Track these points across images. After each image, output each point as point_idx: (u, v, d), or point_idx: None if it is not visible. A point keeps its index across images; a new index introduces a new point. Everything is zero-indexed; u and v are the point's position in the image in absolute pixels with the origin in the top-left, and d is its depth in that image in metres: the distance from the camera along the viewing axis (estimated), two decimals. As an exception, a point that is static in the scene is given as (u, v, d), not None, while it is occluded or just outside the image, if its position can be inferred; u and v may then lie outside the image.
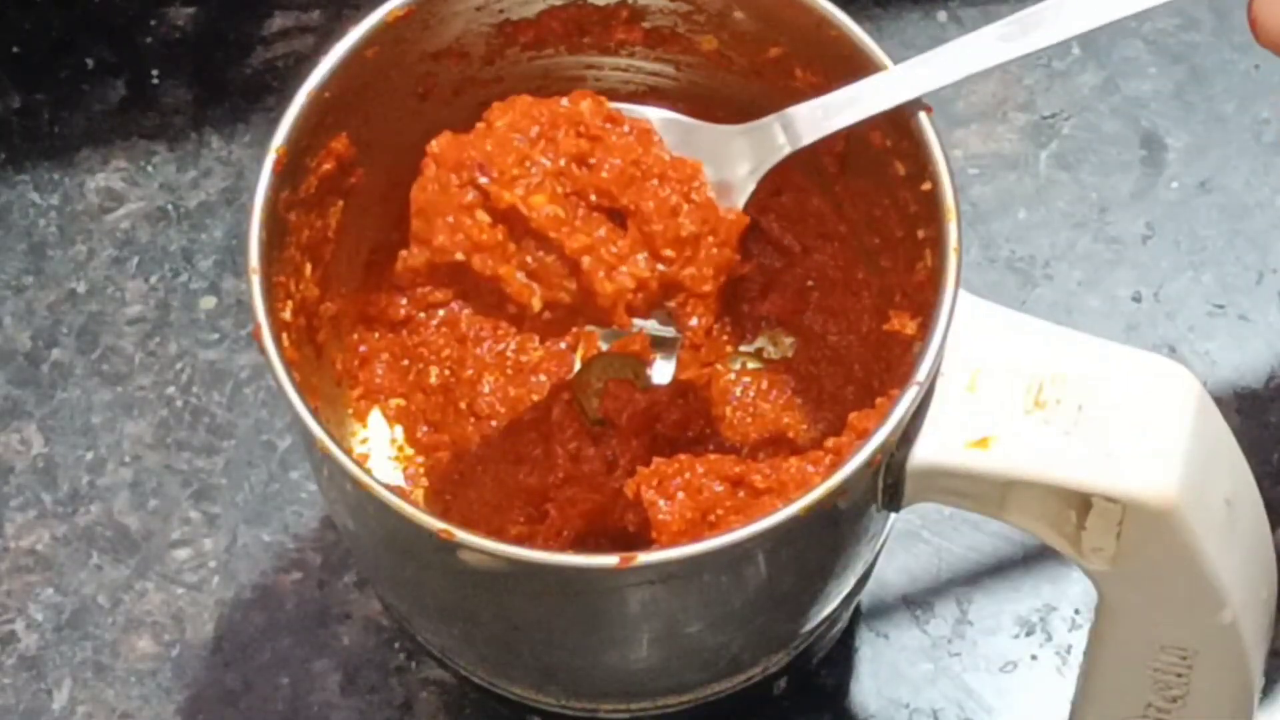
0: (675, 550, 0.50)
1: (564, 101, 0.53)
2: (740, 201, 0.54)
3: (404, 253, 0.52)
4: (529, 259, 0.52)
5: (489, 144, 0.52)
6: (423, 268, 0.52)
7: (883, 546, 0.59)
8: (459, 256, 0.52)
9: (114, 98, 0.75)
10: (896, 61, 0.54)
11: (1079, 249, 0.72)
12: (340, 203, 0.58)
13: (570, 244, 0.52)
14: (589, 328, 0.62)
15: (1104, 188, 0.73)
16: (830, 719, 0.65)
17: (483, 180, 0.52)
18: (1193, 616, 0.54)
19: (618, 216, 0.53)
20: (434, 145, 0.52)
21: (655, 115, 0.55)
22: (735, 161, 0.54)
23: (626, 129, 0.53)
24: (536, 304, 0.52)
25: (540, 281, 0.52)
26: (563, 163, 0.53)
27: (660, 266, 0.53)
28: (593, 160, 0.53)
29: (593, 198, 0.53)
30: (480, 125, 0.53)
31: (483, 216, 0.52)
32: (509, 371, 0.62)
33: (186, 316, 0.71)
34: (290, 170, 0.54)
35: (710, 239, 0.53)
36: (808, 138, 0.54)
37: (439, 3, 0.56)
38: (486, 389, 0.62)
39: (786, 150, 0.54)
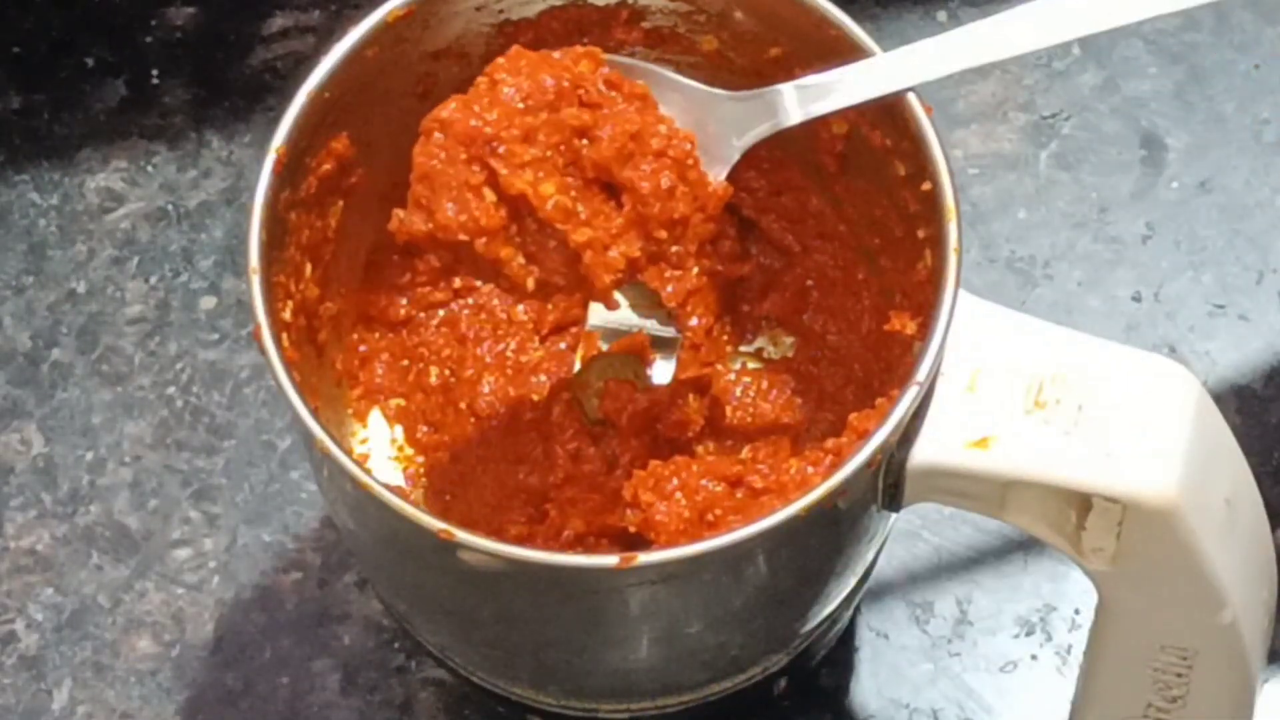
0: (675, 550, 0.50)
1: (558, 55, 0.53)
2: (725, 171, 0.54)
3: (400, 212, 0.53)
4: (530, 242, 0.53)
5: (495, 113, 0.52)
6: (422, 238, 0.52)
7: (883, 546, 0.59)
8: (462, 237, 0.52)
9: (114, 98, 0.75)
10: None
11: (1079, 249, 0.72)
12: (340, 203, 0.58)
13: (575, 237, 0.52)
14: (588, 327, 0.62)
15: (1104, 188, 0.73)
16: (830, 719, 0.65)
17: (492, 161, 0.52)
18: (1193, 616, 0.54)
19: (612, 189, 0.53)
20: (443, 112, 0.52)
21: (653, 73, 0.55)
22: (725, 129, 0.54)
23: (624, 96, 0.54)
24: (531, 284, 0.53)
25: (538, 265, 0.53)
26: (563, 137, 0.53)
27: (650, 246, 0.53)
28: (594, 131, 0.53)
29: (590, 171, 0.53)
30: (482, 81, 0.53)
31: (489, 196, 0.52)
32: (509, 371, 0.62)
33: (186, 316, 0.71)
34: (290, 170, 0.54)
35: (699, 215, 0.54)
36: (790, 120, 0.54)
37: (439, 3, 0.56)
38: (486, 389, 0.62)
39: (768, 127, 0.54)
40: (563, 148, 0.53)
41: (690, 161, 0.54)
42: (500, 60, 0.53)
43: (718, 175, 0.54)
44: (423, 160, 0.52)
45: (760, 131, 0.54)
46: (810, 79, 0.54)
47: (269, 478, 0.68)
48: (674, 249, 0.54)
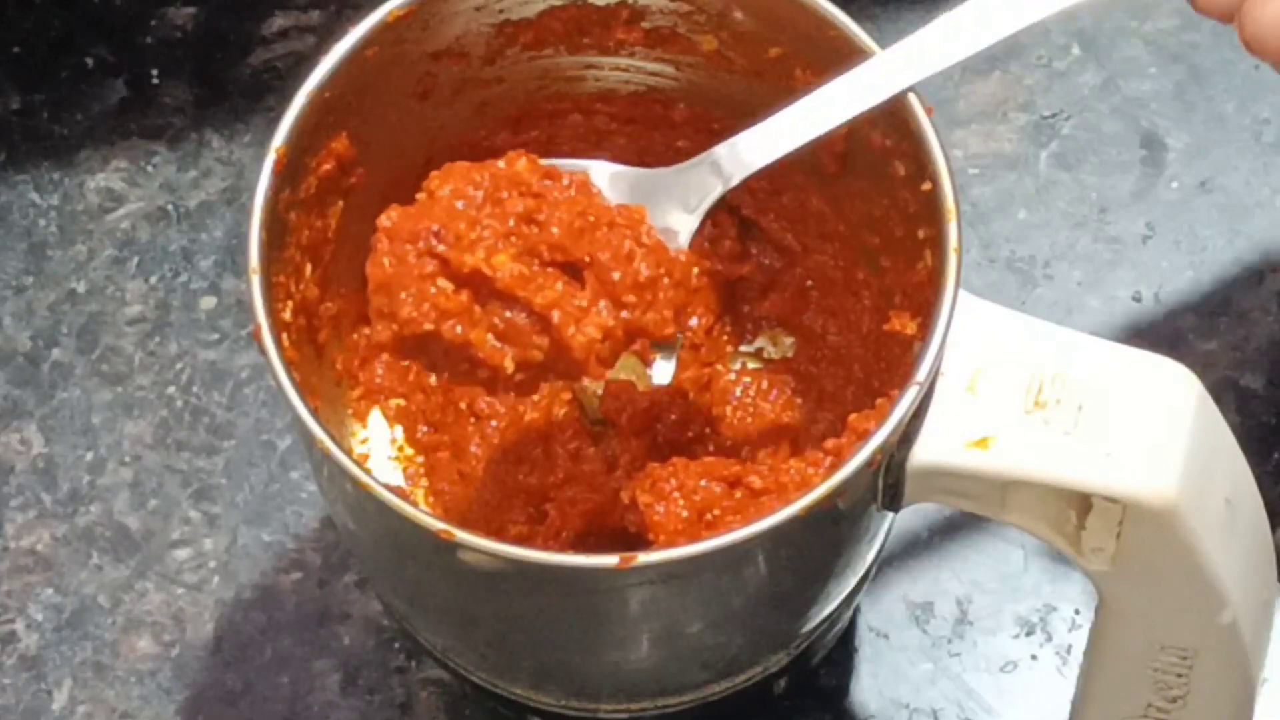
0: (675, 550, 0.50)
1: (500, 164, 0.53)
2: (686, 242, 0.54)
3: (366, 330, 0.52)
4: (497, 320, 0.52)
5: (437, 212, 0.52)
6: (389, 342, 0.52)
7: (883, 546, 0.59)
8: (428, 326, 0.51)
9: (114, 98, 0.75)
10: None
11: (1079, 249, 0.72)
12: (340, 203, 0.58)
13: (538, 300, 0.51)
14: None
15: (1104, 188, 0.73)
16: (830, 719, 0.65)
17: (440, 248, 0.51)
18: (1193, 616, 0.54)
19: (572, 269, 0.53)
20: (384, 220, 0.52)
21: (590, 166, 0.55)
22: (674, 203, 0.54)
23: (566, 183, 0.53)
24: (509, 365, 0.52)
25: (511, 342, 0.52)
26: (511, 223, 0.52)
27: (623, 314, 0.53)
28: (540, 217, 0.52)
29: (545, 254, 0.52)
30: (421, 196, 0.52)
31: (445, 284, 0.51)
32: (509, 371, 0.62)
33: (186, 316, 0.71)
34: (290, 170, 0.54)
35: (666, 280, 0.53)
36: (737, 176, 0.54)
37: (439, 3, 0.56)
38: (487, 389, 0.62)
39: (719, 189, 0.54)
40: (513, 237, 0.52)
41: (644, 227, 0.53)
42: (435, 174, 0.53)
43: (679, 247, 0.54)
44: (375, 271, 0.52)
45: (711, 197, 0.54)
46: (740, 136, 0.54)
47: (269, 478, 0.68)
48: (649, 315, 0.53)
